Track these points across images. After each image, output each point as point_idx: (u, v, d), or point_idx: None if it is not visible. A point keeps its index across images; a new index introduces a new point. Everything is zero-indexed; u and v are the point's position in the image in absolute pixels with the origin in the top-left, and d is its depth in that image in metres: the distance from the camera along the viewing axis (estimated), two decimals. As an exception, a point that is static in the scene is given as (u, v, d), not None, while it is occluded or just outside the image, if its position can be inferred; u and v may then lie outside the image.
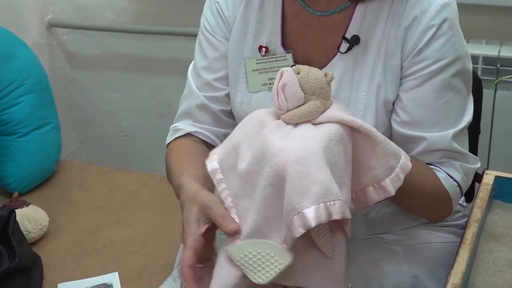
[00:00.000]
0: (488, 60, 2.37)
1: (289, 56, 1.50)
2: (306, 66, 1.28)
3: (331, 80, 1.26)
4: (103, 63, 3.08)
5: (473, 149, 1.73)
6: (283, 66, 1.48)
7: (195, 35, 2.74)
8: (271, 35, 1.52)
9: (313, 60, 1.49)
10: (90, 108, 3.18)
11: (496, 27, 2.45)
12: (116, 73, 3.08)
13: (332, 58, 1.47)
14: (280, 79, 1.26)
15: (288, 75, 1.25)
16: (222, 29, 1.57)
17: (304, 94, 1.25)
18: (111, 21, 2.98)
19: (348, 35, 1.45)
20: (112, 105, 3.14)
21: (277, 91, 1.26)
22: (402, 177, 1.27)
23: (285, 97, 1.24)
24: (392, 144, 1.28)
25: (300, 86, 1.25)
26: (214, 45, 1.58)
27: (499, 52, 2.38)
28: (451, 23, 1.43)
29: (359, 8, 1.46)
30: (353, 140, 1.24)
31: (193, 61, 1.64)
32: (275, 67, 1.51)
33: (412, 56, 1.43)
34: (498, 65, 2.37)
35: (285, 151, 1.17)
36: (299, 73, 1.26)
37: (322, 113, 1.24)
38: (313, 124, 1.24)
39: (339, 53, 1.46)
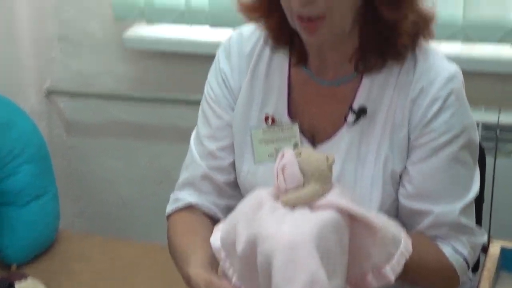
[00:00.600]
0: (487, 126, 2.38)
1: (295, 127, 1.50)
2: (309, 149, 1.29)
3: (332, 164, 1.25)
4: (101, 130, 3.08)
5: (477, 218, 1.72)
6: (290, 137, 1.50)
7: (194, 102, 2.78)
8: (277, 105, 1.52)
9: (320, 130, 1.49)
10: (88, 176, 3.16)
11: (495, 94, 2.47)
12: (115, 140, 3.07)
13: (339, 129, 1.47)
14: (281, 159, 1.25)
15: (288, 157, 1.24)
16: (227, 98, 1.57)
17: (304, 176, 1.24)
18: (110, 88, 2.98)
19: (355, 105, 1.46)
20: (110, 172, 3.12)
21: (277, 172, 1.25)
22: (402, 262, 1.26)
23: (284, 179, 1.24)
24: (391, 228, 1.27)
25: (300, 169, 1.24)
26: (218, 114, 1.57)
27: (498, 118, 2.38)
28: (458, 94, 1.44)
29: (366, 79, 1.46)
30: (351, 226, 1.23)
31: (195, 129, 1.63)
32: (281, 138, 1.51)
33: (420, 128, 1.43)
34: (498, 132, 2.38)
35: (276, 236, 1.17)
36: (300, 154, 1.25)
37: (321, 197, 1.23)
38: (310, 208, 1.23)
39: (346, 125, 1.46)
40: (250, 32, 1.57)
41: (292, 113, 1.51)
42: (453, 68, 1.45)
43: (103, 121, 3.05)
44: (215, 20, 2.61)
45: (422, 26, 1.44)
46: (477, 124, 2.31)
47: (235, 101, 1.56)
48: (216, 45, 2.56)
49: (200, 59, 2.75)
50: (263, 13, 1.49)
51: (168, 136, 2.98)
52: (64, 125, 3.10)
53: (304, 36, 1.41)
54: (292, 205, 1.23)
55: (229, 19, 2.57)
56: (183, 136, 2.91)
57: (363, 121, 1.46)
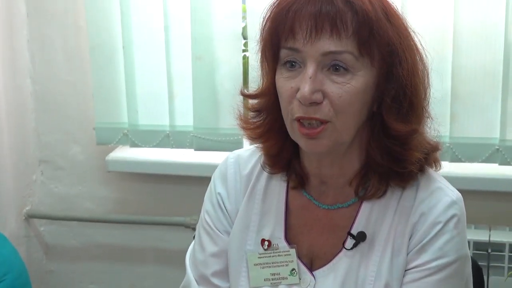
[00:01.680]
0: (479, 245, 2.36)
1: (293, 251, 1.47)
2: None
3: None
4: (81, 254, 3.02)
5: None
6: (286, 261, 1.47)
7: (177, 224, 2.77)
8: (274, 229, 1.50)
9: (318, 255, 1.47)
10: (68, 301, 3.08)
11: (485, 212, 2.47)
12: (95, 263, 3.01)
13: (337, 254, 1.45)
14: None
15: None
16: (223, 222, 1.55)
17: None
18: (90, 211, 2.95)
19: (354, 231, 1.44)
20: (92, 297, 3.05)
21: None
22: None
23: None
24: None
25: None
26: (214, 239, 1.55)
27: (489, 237, 2.37)
28: (458, 221, 1.42)
29: (366, 204, 1.45)
30: None
31: (191, 251, 1.59)
32: (277, 262, 1.48)
33: (415, 251, 1.42)
34: (489, 250, 2.36)
35: None
36: None
37: None
38: None
39: (344, 249, 1.44)
40: (249, 154, 1.57)
41: (289, 238, 1.49)
42: (455, 195, 1.45)
43: (83, 245, 3.00)
44: (200, 144, 2.61)
45: (429, 152, 1.44)
46: (468, 243, 2.31)
47: (231, 225, 1.54)
48: (199, 167, 2.63)
49: (184, 181, 2.74)
50: (263, 133, 1.48)
51: (151, 259, 2.93)
52: (43, 249, 3.04)
53: (303, 143, 1.39)
54: None
55: (213, 143, 2.58)
56: (166, 259, 2.90)
57: (362, 245, 1.44)
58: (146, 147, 2.69)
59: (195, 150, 2.64)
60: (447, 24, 2.35)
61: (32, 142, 2.91)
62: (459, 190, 1.48)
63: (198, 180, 2.55)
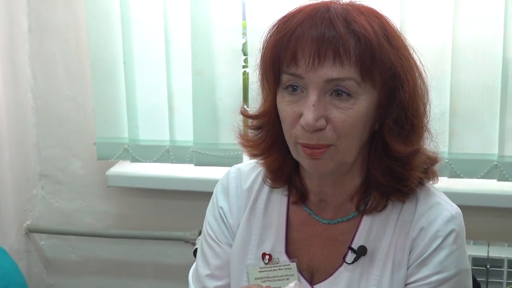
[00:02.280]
0: (477, 261, 2.36)
1: (293, 265, 1.48)
2: None
3: None
4: (81, 268, 3.02)
5: None
6: (287, 275, 1.48)
7: (177, 239, 2.77)
8: (275, 243, 1.50)
9: (319, 269, 1.47)
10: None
11: (483, 228, 2.47)
12: (95, 278, 3.01)
13: (338, 268, 1.45)
14: None
15: None
16: (226, 235, 1.55)
17: None
18: (90, 225, 2.95)
19: (355, 245, 1.44)
20: (91, 312, 3.04)
21: None
22: None
23: None
24: None
25: None
26: (217, 252, 1.55)
27: (488, 252, 2.37)
28: (457, 236, 1.43)
29: (366, 219, 1.46)
30: None
31: (194, 267, 1.60)
32: (278, 276, 1.48)
33: (415, 265, 1.43)
34: (488, 266, 2.36)
35: None
36: None
37: None
38: None
39: (345, 264, 1.45)
40: (249, 168, 1.58)
41: (290, 252, 1.49)
42: (454, 209, 1.45)
43: (83, 259, 3.00)
44: (200, 159, 2.62)
45: (428, 167, 1.45)
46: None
47: (233, 238, 1.55)
48: (199, 182, 2.64)
49: (184, 196, 2.75)
50: (264, 150, 1.49)
51: (151, 274, 2.92)
52: (43, 263, 3.04)
53: (307, 164, 1.39)
54: None
55: (213, 158, 2.59)
56: (166, 274, 2.90)
57: (362, 260, 1.44)
58: (146, 162, 2.70)
59: (195, 165, 2.65)
60: (446, 41, 2.36)
61: (32, 156, 2.91)
62: (457, 206, 1.49)
63: (198, 195, 2.56)
